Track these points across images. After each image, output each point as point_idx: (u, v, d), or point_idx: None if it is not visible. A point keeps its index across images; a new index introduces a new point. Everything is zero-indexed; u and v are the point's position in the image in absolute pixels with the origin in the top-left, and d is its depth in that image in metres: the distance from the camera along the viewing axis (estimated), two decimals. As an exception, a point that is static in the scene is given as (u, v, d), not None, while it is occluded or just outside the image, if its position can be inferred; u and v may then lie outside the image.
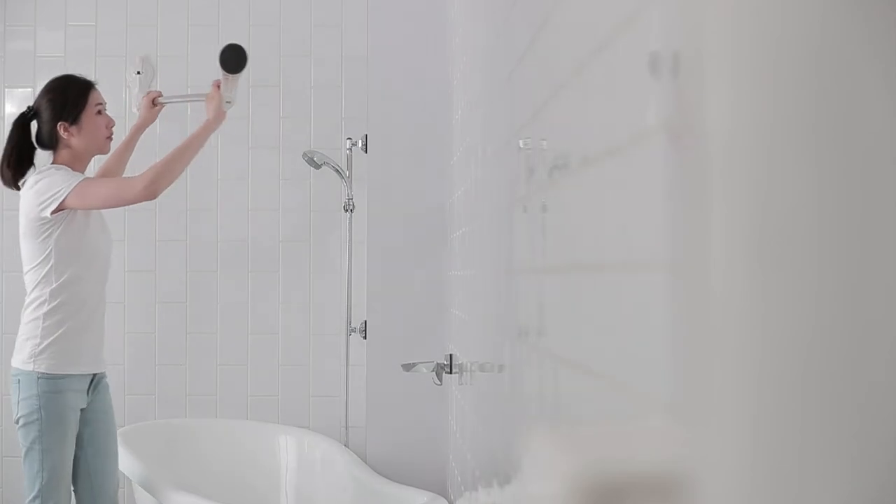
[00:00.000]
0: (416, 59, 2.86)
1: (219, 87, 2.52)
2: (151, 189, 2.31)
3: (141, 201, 2.34)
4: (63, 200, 2.26)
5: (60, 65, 3.28)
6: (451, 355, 2.16)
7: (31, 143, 2.41)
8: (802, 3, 0.36)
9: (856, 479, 0.33)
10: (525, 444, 1.04)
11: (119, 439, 2.73)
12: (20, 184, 2.39)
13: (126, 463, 2.64)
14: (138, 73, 2.68)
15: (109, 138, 2.45)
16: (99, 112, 2.42)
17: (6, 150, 2.41)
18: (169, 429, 3.07)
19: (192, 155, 2.43)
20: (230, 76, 2.50)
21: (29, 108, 2.43)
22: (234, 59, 2.48)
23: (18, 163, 2.39)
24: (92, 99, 2.41)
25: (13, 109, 3.30)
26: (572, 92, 0.80)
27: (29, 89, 3.30)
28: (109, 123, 2.44)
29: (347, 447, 2.98)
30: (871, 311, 0.32)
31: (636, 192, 0.60)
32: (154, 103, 2.71)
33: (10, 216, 3.28)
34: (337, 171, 3.05)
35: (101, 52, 3.26)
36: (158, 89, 2.75)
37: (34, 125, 2.42)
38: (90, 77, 2.48)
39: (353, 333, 3.03)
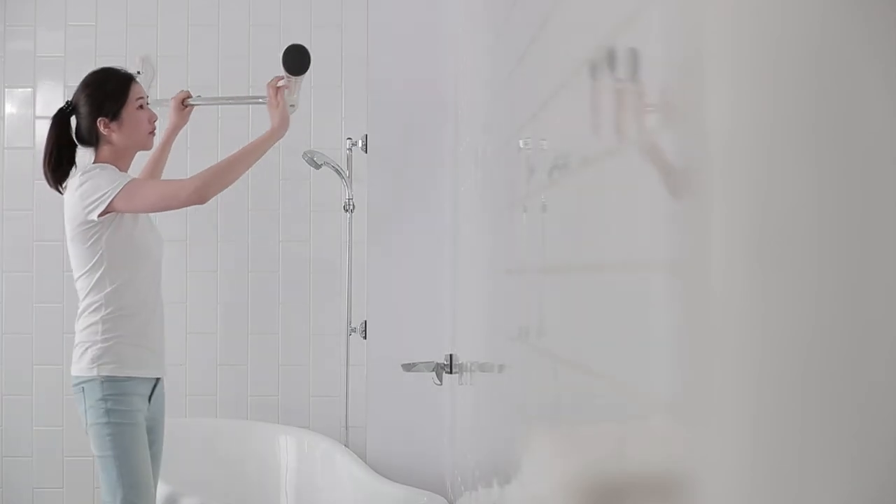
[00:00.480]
0: (417, 58, 2.86)
1: (277, 90, 2.37)
2: (202, 193, 2.20)
3: (190, 205, 2.23)
4: (110, 203, 2.14)
5: (60, 65, 3.29)
6: (451, 355, 2.16)
7: (71, 140, 2.28)
8: (802, 3, 0.36)
9: (856, 479, 0.33)
10: (525, 444, 1.04)
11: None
12: (63, 186, 2.26)
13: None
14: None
15: (152, 133, 2.32)
16: (140, 106, 2.28)
17: (46, 149, 2.28)
18: (169, 429, 3.07)
19: (250, 163, 2.31)
20: (293, 78, 2.36)
21: (67, 103, 2.30)
22: (298, 59, 2.35)
23: (59, 162, 2.26)
24: (133, 93, 2.28)
25: (13, 109, 3.31)
26: (572, 92, 0.80)
27: (29, 89, 3.30)
28: (152, 118, 2.32)
29: (347, 447, 2.98)
30: (871, 311, 0.32)
31: (636, 192, 0.60)
32: (183, 104, 2.59)
33: (10, 216, 3.28)
34: (337, 171, 3.05)
35: (101, 52, 3.26)
36: (187, 89, 2.63)
37: (73, 122, 2.28)
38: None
39: (353, 333, 3.03)
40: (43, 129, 3.27)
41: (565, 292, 0.83)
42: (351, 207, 3.06)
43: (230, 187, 3.18)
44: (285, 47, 2.39)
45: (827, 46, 0.34)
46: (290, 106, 2.39)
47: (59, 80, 3.29)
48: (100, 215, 2.15)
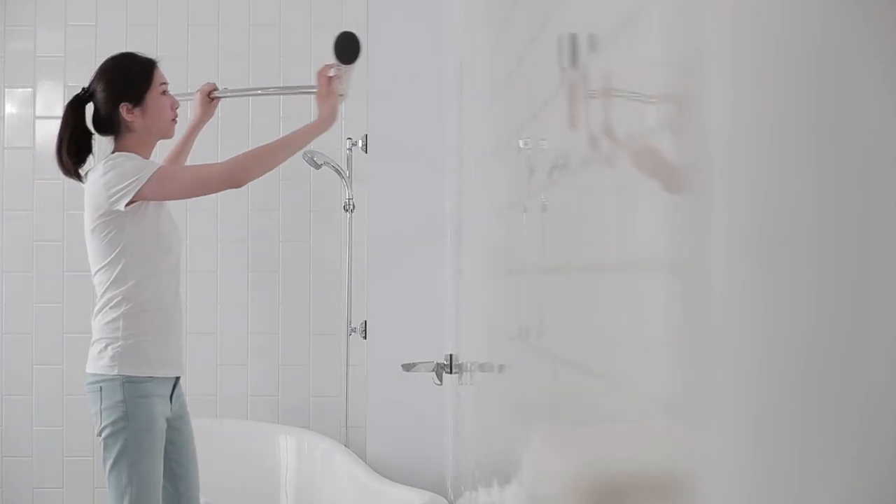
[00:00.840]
0: (416, 58, 2.86)
1: (329, 79, 2.27)
2: (240, 177, 2.12)
3: (224, 190, 2.16)
4: (139, 191, 2.04)
5: (60, 65, 3.29)
6: (451, 355, 2.16)
7: (87, 128, 2.18)
8: (802, 3, 0.36)
9: (856, 479, 0.33)
10: (525, 443, 1.04)
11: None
12: (83, 173, 2.16)
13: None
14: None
15: (174, 120, 2.23)
16: (164, 92, 2.20)
17: (62, 136, 2.17)
18: (169, 429, 3.07)
19: (293, 151, 2.26)
20: (343, 67, 2.27)
21: (84, 89, 2.19)
22: (349, 48, 2.24)
23: (77, 151, 2.16)
24: (156, 78, 2.19)
25: (13, 109, 3.31)
26: (572, 92, 0.80)
27: (29, 89, 3.30)
28: (174, 104, 2.23)
29: (347, 447, 2.98)
30: (871, 311, 0.32)
31: (636, 192, 0.60)
32: (210, 97, 2.48)
33: (10, 216, 3.28)
34: (337, 171, 3.05)
35: (101, 52, 3.24)
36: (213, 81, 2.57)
37: (89, 109, 2.19)
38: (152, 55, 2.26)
39: (353, 333, 3.03)
40: (43, 130, 3.28)
41: (565, 292, 0.83)
42: (351, 207, 3.06)
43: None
44: (337, 35, 2.28)
45: (827, 46, 0.34)
46: (340, 96, 2.30)
47: (59, 80, 3.29)
48: (127, 204, 2.05)
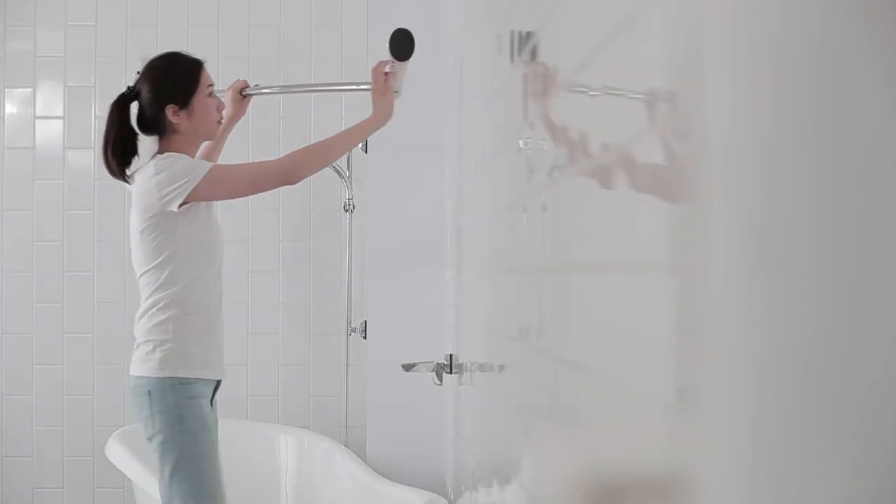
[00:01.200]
0: (417, 58, 2.86)
1: (385, 76, 2.24)
2: (294, 174, 2.12)
3: (279, 187, 2.15)
4: (192, 191, 2.01)
5: (60, 65, 3.29)
6: (451, 355, 2.16)
7: (132, 128, 2.14)
8: (802, 3, 0.36)
9: (856, 479, 0.33)
10: (525, 444, 1.04)
11: (119, 439, 2.73)
12: (128, 173, 2.13)
13: (126, 463, 2.63)
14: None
15: (220, 122, 2.21)
16: (210, 94, 2.17)
17: (107, 137, 2.12)
18: (169, 429, 3.06)
19: (347, 149, 2.25)
20: (398, 64, 2.24)
21: (129, 88, 2.16)
22: (404, 44, 2.22)
23: (122, 151, 2.12)
24: (203, 80, 2.15)
25: (13, 109, 3.30)
26: (571, 92, 0.80)
27: (29, 89, 3.30)
28: (220, 106, 2.20)
29: (347, 447, 2.98)
30: (871, 311, 0.32)
31: (636, 192, 0.60)
32: (242, 94, 2.45)
33: (10, 216, 3.28)
34: (337, 171, 3.05)
35: (101, 52, 3.26)
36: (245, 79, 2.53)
37: (134, 108, 2.16)
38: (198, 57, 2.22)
39: (353, 333, 3.03)
40: (43, 130, 3.28)
41: (565, 292, 0.83)
42: (351, 207, 3.06)
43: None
44: (392, 32, 2.26)
45: (827, 46, 0.34)
46: (394, 93, 2.29)
47: (59, 80, 3.29)
48: (180, 205, 2.02)
